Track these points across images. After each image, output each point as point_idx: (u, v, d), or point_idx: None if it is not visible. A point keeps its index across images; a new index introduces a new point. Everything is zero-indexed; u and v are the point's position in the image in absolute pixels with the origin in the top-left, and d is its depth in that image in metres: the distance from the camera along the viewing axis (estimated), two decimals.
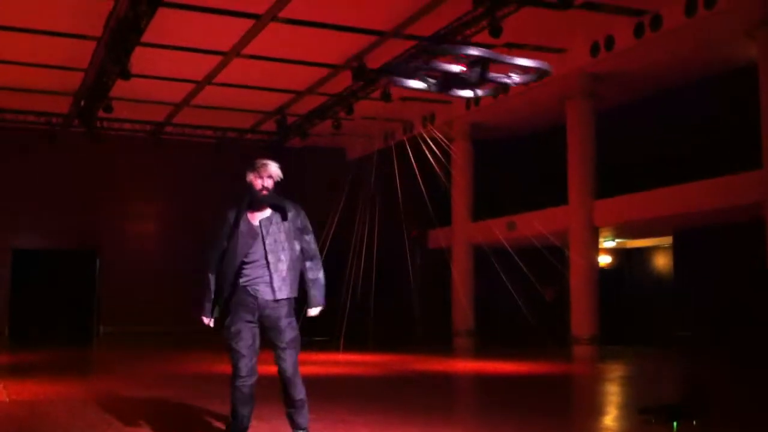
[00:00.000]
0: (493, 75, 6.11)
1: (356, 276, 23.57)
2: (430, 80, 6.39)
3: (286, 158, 24.71)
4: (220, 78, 18.34)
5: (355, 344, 19.16)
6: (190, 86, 19.15)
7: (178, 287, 23.32)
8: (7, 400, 9.52)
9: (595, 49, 16.30)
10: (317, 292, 6.03)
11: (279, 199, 5.92)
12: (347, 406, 9.07)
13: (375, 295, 21.20)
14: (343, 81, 18.30)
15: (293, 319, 5.87)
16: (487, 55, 5.95)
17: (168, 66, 17.51)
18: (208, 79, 18.52)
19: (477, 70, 6.06)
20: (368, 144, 24.21)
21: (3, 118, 21.18)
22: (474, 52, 5.91)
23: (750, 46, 14.39)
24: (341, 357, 16.87)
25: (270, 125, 22.57)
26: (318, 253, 6.02)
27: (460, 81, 6.43)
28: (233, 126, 22.98)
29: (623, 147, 18.38)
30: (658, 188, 16.11)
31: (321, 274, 6.05)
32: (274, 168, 5.93)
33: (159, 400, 9.51)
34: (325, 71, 18.12)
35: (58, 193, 22.89)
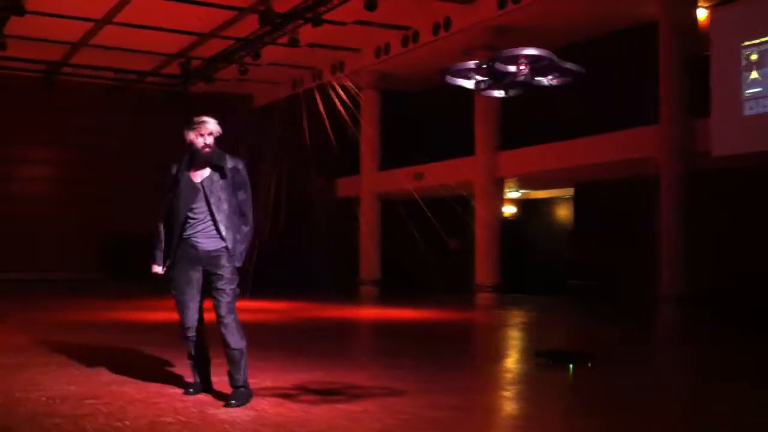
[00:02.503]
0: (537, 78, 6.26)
1: (263, 224, 23.41)
2: (479, 79, 6.51)
3: (190, 104, 24.35)
4: (121, 17, 17.64)
5: (260, 292, 19.06)
6: (88, 25, 18.35)
7: (66, 234, 22.68)
8: None
9: (502, 2, 16.37)
10: (242, 246, 6.17)
11: (220, 156, 6.08)
12: (250, 352, 9.03)
13: (281, 244, 21.11)
14: (250, 25, 17.87)
15: (233, 267, 6.11)
16: (546, 56, 6.05)
17: (66, 3, 16.72)
18: (108, 18, 17.78)
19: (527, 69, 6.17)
20: (276, 91, 23.85)
21: None
22: (535, 52, 6.00)
23: (652, 2, 14.72)
24: (247, 304, 16.75)
25: (173, 68, 21.91)
26: (250, 209, 6.17)
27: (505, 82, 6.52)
28: (134, 68, 22.21)
29: (526, 100, 18.61)
30: (559, 141, 16.46)
31: (248, 230, 6.20)
32: (212, 125, 6.09)
33: (45, 346, 9.25)
34: (231, 14, 17.66)
35: None
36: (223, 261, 6.04)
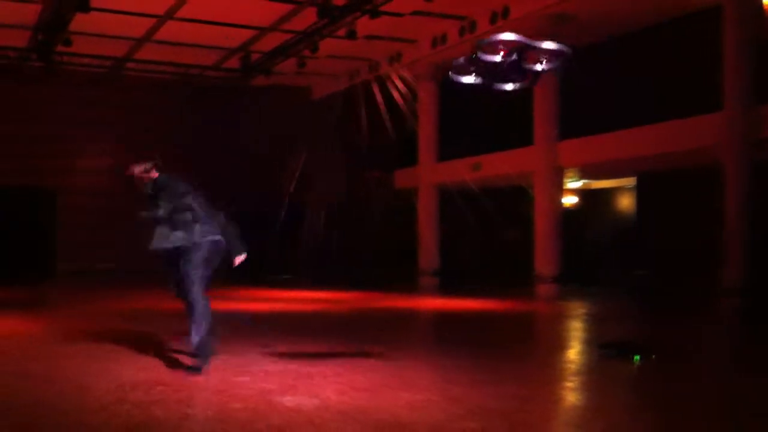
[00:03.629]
0: (529, 65, 6.44)
1: (322, 216, 23.64)
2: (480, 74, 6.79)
3: (250, 96, 24.62)
4: (183, 12, 17.91)
5: (320, 282, 19.25)
6: (151, 21, 18.68)
7: (134, 226, 23.14)
8: None
9: None
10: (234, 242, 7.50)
11: (160, 183, 7.62)
12: (312, 340, 9.17)
13: (340, 234, 21.28)
14: (309, 18, 17.97)
15: (189, 259, 7.14)
16: (521, 40, 6.26)
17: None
18: (170, 14, 18.07)
19: (514, 57, 6.37)
20: (334, 83, 23.98)
21: None
22: (510, 37, 6.26)
23: None
24: (307, 295, 16.96)
25: (233, 62, 22.18)
26: (199, 214, 7.31)
27: (502, 73, 6.79)
28: (196, 63, 22.54)
29: (587, 88, 18.39)
30: (621, 130, 16.21)
31: (229, 228, 7.52)
32: (137, 170, 7.89)
33: (112, 334, 9.50)
34: (289, 7, 17.78)
35: (17, 130, 22.39)
36: (181, 255, 7.28)
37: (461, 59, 6.71)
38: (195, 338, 7.07)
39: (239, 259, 7.45)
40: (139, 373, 6.90)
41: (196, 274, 7.10)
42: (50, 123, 22.75)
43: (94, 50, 20.74)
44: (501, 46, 6.17)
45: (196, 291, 7.09)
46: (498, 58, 6.27)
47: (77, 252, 22.56)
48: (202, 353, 7.06)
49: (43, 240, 22.80)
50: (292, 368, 7.20)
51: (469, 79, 6.89)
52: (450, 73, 6.65)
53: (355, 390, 6.24)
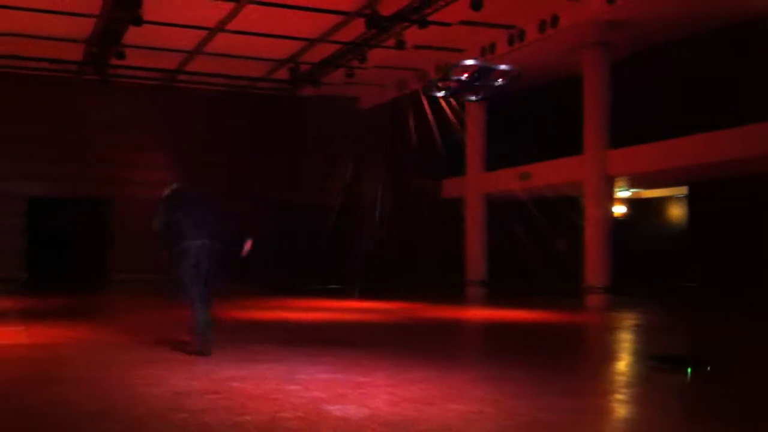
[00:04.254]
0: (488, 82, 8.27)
1: (369, 226, 23.70)
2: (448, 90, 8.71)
3: (298, 107, 24.82)
4: (233, 25, 18.17)
5: (367, 292, 19.28)
6: (202, 33, 18.99)
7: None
8: (27, 342, 9.67)
9: None
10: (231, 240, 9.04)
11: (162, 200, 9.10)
12: (362, 350, 9.19)
13: (387, 244, 21.30)
14: (356, 28, 18.09)
15: (178, 263, 8.69)
16: (481, 64, 8.17)
17: (180, 12, 17.34)
18: (221, 26, 18.35)
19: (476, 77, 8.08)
20: (381, 93, 24.06)
21: (17, 65, 21.10)
22: (472, 62, 8.28)
23: None
24: (354, 304, 17.00)
25: (282, 74, 22.40)
26: (187, 224, 8.65)
27: (467, 89, 8.71)
28: (245, 74, 22.83)
29: (638, 96, 18.19)
30: (673, 138, 15.98)
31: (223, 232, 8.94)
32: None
33: (165, 342, 9.63)
34: (338, 18, 17.92)
35: (72, 142, 22.90)
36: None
37: (432, 80, 8.78)
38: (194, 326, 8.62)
39: (247, 246, 9.05)
40: (190, 382, 6.99)
41: (185, 274, 8.60)
42: (105, 134, 23.21)
43: (146, 63, 21.14)
44: (466, 69, 7.92)
45: (188, 289, 8.63)
46: (464, 78, 7.92)
47: (132, 261, 22.94)
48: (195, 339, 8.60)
49: (99, 249, 23.28)
50: (341, 378, 7.23)
51: (439, 94, 8.57)
52: (422, 89, 8.08)
53: (406, 401, 6.23)
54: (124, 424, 5.48)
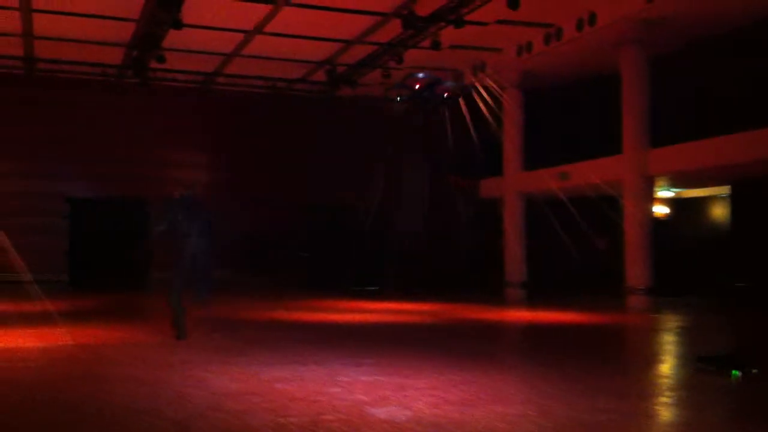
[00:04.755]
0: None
1: (406, 226, 23.68)
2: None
3: (335, 108, 24.91)
4: (271, 27, 18.27)
5: (405, 293, 19.27)
6: (240, 36, 19.13)
7: (229, 234, 23.71)
8: (71, 343, 9.81)
9: None
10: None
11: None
12: (403, 352, 9.17)
13: (425, 245, 21.28)
14: (393, 29, 18.08)
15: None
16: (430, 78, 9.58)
17: (219, 15, 17.48)
18: (259, 29, 18.47)
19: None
20: None
21: (58, 69, 21.44)
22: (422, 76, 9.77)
23: None
24: (393, 306, 17.00)
25: (320, 75, 22.48)
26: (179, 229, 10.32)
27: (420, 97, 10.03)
28: (283, 76, 22.95)
29: (678, 94, 17.95)
30: (715, 137, 15.73)
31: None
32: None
33: (206, 344, 9.73)
34: (374, 19, 17.93)
35: (112, 143, 23.21)
36: None
37: (392, 85, 10.32)
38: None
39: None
40: (231, 383, 7.04)
41: (178, 269, 10.30)
42: (144, 136, 23.49)
43: (185, 66, 21.35)
44: (417, 82, 9.62)
45: (173, 281, 10.46)
46: (417, 87, 9.59)
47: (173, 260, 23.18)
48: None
49: (140, 249, 23.50)
50: (383, 380, 7.22)
51: (399, 98, 10.01)
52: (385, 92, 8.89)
53: (448, 403, 6.21)
54: (170, 422, 5.53)
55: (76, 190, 23.13)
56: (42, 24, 18.20)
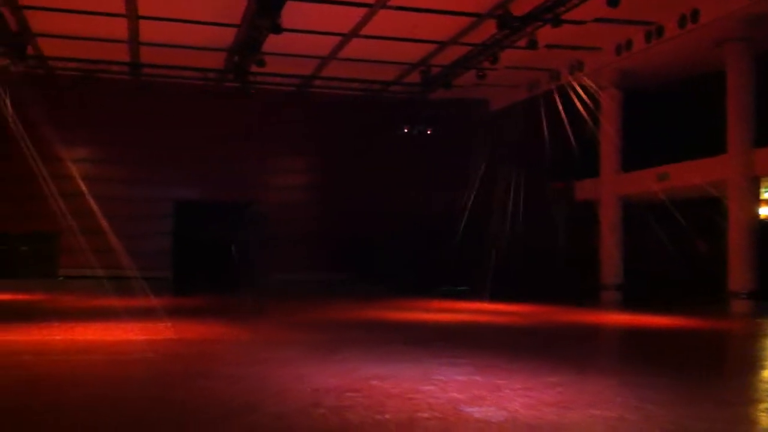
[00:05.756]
0: None
1: (502, 227, 23.52)
2: None
3: (429, 110, 25.04)
4: (366, 30, 18.48)
5: (498, 295, 19.16)
6: (337, 39, 19.40)
7: (328, 237, 24.15)
8: (175, 338, 10.18)
9: None
10: None
11: None
12: (498, 353, 9.15)
13: (521, 246, 21.09)
14: (488, 30, 18.01)
15: None
16: None
17: (317, 19, 17.78)
18: (355, 32, 18.69)
19: None
20: (512, 94, 23.85)
21: (161, 74, 22.20)
22: None
23: None
24: (486, 306, 16.94)
25: (414, 77, 22.58)
26: None
27: None
28: (378, 78, 23.15)
29: None
30: None
31: None
32: None
33: (304, 342, 9.92)
34: (469, 20, 17.90)
35: (214, 147, 23.90)
36: None
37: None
38: None
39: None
40: (330, 380, 7.17)
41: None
42: (244, 140, 24.12)
43: (283, 69, 21.78)
44: None
45: None
46: None
47: (273, 261, 23.78)
48: None
49: (241, 250, 24.20)
50: (478, 380, 7.24)
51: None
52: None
53: (545, 404, 6.18)
54: (270, 417, 5.69)
55: (181, 193, 23.95)
56: (147, 30, 18.90)
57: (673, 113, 20.05)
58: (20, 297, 17.17)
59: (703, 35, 16.90)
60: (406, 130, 24.07)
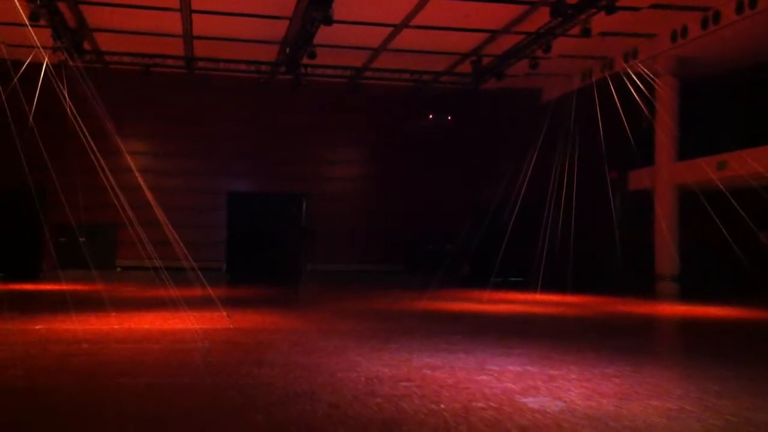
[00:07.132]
0: None
1: (555, 218, 23.29)
2: None
3: (481, 100, 24.95)
4: (417, 20, 18.43)
5: (552, 285, 18.99)
6: (387, 30, 19.38)
7: (378, 229, 24.22)
8: (231, 327, 10.31)
9: None
10: None
11: None
12: (552, 343, 9.07)
13: (574, 237, 20.85)
14: (541, 18, 17.81)
15: None
16: None
17: (368, 10, 17.79)
18: (406, 22, 18.65)
19: None
20: (565, 84, 23.55)
21: (216, 68, 22.47)
22: None
23: None
24: (539, 297, 16.81)
25: (465, 67, 22.45)
26: None
27: None
28: (428, 69, 23.07)
29: None
30: None
31: None
32: None
33: (358, 331, 9.96)
34: (521, 8, 17.73)
35: (266, 139, 24.14)
36: None
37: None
38: None
39: None
40: (384, 369, 7.18)
41: None
42: (296, 132, 24.31)
43: (335, 61, 21.85)
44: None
45: None
46: None
47: (324, 252, 23.97)
48: None
49: (294, 241, 24.46)
50: (532, 370, 7.18)
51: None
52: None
53: (602, 395, 6.10)
54: (326, 404, 5.72)
55: (235, 184, 24.25)
56: (200, 24, 19.13)
57: (732, 100, 19.61)
58: (79, 287, 17.57)
59: (762, 21, 16.47)
60: (431, 117, 23.96)
